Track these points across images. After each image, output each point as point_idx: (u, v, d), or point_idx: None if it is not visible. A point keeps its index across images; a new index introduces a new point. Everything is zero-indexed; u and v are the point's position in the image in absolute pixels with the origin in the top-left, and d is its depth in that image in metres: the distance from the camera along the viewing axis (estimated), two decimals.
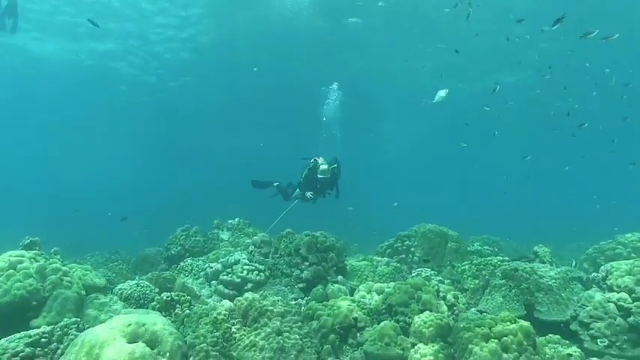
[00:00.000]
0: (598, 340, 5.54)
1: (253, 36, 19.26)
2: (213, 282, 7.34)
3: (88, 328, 5.08)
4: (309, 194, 9.25)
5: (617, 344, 5.45)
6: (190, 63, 22.89)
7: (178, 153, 41.91)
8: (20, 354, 2.93)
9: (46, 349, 4.30)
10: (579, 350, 5.32)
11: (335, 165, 9.18)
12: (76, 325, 4.92)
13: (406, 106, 25.75)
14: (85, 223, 19.40)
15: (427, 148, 36.11)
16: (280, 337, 4.91)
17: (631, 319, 5.55)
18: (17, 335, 4.59)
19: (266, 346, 4.80)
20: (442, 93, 8.73)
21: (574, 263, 8.34)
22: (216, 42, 20.35)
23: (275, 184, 10.01)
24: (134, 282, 6.48)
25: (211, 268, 7.49)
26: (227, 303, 5.28)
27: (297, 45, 19.63)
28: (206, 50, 21.37)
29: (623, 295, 5.80)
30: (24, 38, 19.91)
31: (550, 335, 5.52)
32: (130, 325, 4.26)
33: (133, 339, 4.19)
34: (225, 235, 10.14)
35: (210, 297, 7.06)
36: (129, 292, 6.11)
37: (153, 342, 4.24)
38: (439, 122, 27.96)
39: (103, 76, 24.24)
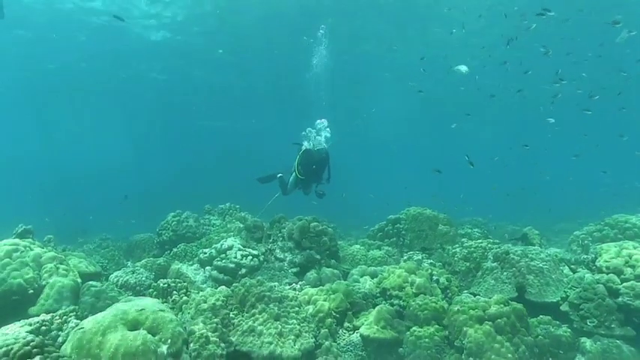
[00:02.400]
0: (587, 321, 5.71)
1: (239, 13, 18.93)
2: (207, 268, 7.35)
3: (86, 315, 5.10)
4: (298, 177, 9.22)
5: (606, 324, 5.63)
6: (177, 44, 22.47)
7: (167, 138, 41.45)
8: (31, 343, 2.93)
9: (47, 337, 4.30)
10: (569, 330, 5.50)
11: (323, 146, 9.19)
12: (74, 313, 4.93)
13: (395, 85, 25.69)
14: (74, 210, 19.20)
15: (415, 129, 36.20)
16: (278, 322, 4.97)
17: (619, 299, 5.72)
18: (18, 323, 4.59)
19: (264, 331, 4.86)
20: (462, 68, 8.78)
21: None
22: (199, 20, 19.95)
23: (278, 175, 9.92)
24: (129, 269, 6.48)
25: (205, 253, 7.50)
26: (224, 289, 5.30)
27: (283, 22, 19.35)
28: (191, 30, 20.98)
29: (612, 276, 5.97)
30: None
31: (541, 316, 5.69)
32: (130, 312, 4.27)
33: (134, 326, 4.20)
34: (216, 220, 10.13)
35: (205, 283, 7.08)
36: (125, 279, 6.10)
37: (154, 329, 4.26)
38: (428, 103, 28.00)
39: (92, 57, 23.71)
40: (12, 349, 2.91)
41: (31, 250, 5.85)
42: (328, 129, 9.64)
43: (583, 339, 5.48)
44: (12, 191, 30.17)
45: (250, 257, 7.20)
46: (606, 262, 6.30)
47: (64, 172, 38.38)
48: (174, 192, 23.89)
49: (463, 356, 4.86)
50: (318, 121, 9.74)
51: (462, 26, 16.73)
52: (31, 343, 2.94)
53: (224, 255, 7.19)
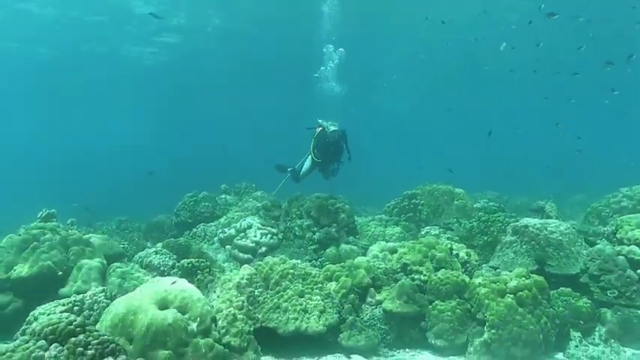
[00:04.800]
0: (608, 292, 5.74)
1: None
2: (227, 247, 7.47)
3: (114, 295, 5.23)
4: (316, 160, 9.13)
5: (627, 295, 5.66)
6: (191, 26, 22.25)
7: (182, 118, 41.43)
8: (74, 322, 3.04)
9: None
10: (589, 301, 5.54)
11: (336, 128, 9.05)
12: (103, 293, 5.05)
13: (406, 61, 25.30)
14: (91, 191, 19.43)
15: (426, 103, 35.77)
16: (302, 298, 5.06)
17: None
18: (51, 304, 4.73)
19: (289, 307, 4.96)
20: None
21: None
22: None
23: (289, 169, 9.85)
24: (152, 250, 6.60)
25: (224, 233, 7.60)
26: (248, 267, 5.40)
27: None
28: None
29: (634, 247, 5.97)
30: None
31: (562, 288, 5.73)
32: (159, 292, 4.37)
33: (163, 305, 4.30)
34: (233, 200, 10.22)
35: (226, 262, 7.21)
36: (148, 259, 6.23)
37: (183, 308, 4.36)
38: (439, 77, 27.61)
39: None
40: (57, 327, 3.02)
41: (58, 233, 5.98)
42: (335, 124, 9.35)
43: (603, 310, 5.53)
44: (28, 176, 30.54)
45: (270, 235, 7.30)
46: (627, 233, 6.29)
47: (79, 156, 38.67)
48: (190, 173, 23.98)
49: (485, 328, 4.94)
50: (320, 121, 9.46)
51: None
52: (74, 323, 3.05)
53: (244, 234, 7.29)
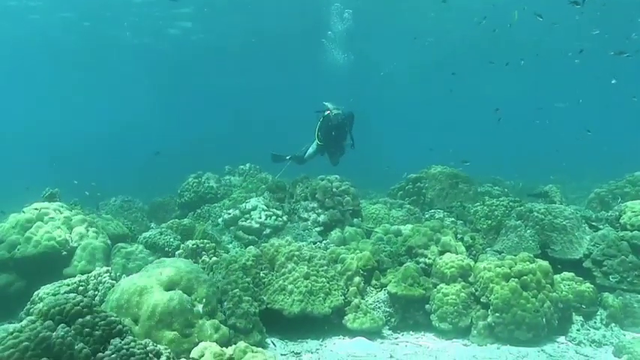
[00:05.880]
0: (610, 277, 5.76)
1: None
2: (231, 228, 7.47)
3: (119, 276, 5.25)
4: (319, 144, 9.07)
5: (628, 279, 5.69)
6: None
7: (185, 99, 41.13)
8: (80, 303, 3.04)
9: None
10: (592, 286, 5.56)
11: (339, 111, 8.94)
12: (108, 274, 5.06)
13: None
14: (92, 172, 19.39)
15: (428, 86, 35.39)
16: (308, 280, 5.07)
17: None
18: (56, 283, 4.75)
19: (295, 289, 4.97)
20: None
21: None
22: None
23: (287, 157, 9.76)
24: (156, 230, 6.60)
25: (229, 214, 7.60)
26: (253, 249, 5.40)
27: None
28: None
29: (637, 233, 5.96)
30: None
31: (565, 273, 5.74)
32: (164, 273, 4.38)
33: (169, 286, 4.32)
34: (237, 181, 10.20)
35: (231, 243, 7.21)
36: (153, 240, 6.23)
37: (189, 289, 4.38)
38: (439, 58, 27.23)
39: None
40: (65, 308, 3.02)
41: (61, 212, 5.97)
42: (338, 108, 9.20)
43: (605, 294, 5.56)
44: (31, 155, 30.45)
45: (274, 217, 7.29)
46: (631, 219, 6.28)
47: (82, 136, 38.44)
48: (194, 153, 23.87)
49: (489, 312, 4.96)
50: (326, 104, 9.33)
51: None
52: (81, 304, 3.05)
53: (248, 215, 7.29)
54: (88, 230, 5.88)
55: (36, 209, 5.68)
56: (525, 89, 32.06)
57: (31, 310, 4.47)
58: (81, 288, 4.79)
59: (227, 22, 24.76)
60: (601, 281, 5.79)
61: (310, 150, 9.35)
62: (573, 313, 5.33)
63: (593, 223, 7.15)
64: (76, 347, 2.88)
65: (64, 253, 5.52)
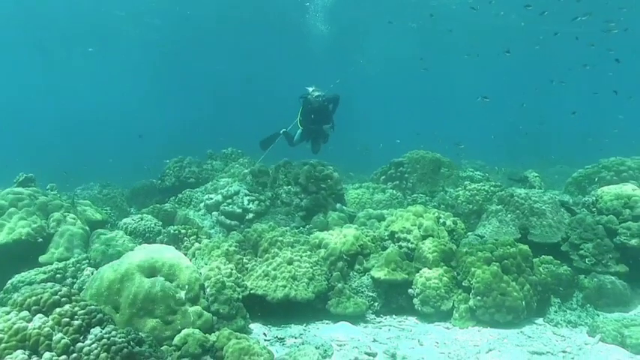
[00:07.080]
0: (586, 259, 5.91)
1: None
2: (214, 213, 7.38)
3: (98, 263, 5.14)
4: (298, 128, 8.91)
5: (603, 262, 5.85)
6: None
7: (167, 83, 40.24)
8: (59, 292, 2.95)
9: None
10: (569, 269, 5.70)
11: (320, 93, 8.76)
12: (87, 261, 4.96)
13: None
14: (70, 156, 18.90)
15: (407, 70, 35.22)
16: (291, 266, 5.06)
17: (616, 239, 5.91)
18: (32, 271, 4.63)
19: (278, 275, 4.95)
20: None
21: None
22: None
23: (282, 131, 9.53)
24: (137, 216, 6.47)
25: (211, 199, 7.50)
26: (236, 234, 5.34)
27: None
28: None
29: (612, 217, 6.11)
30: None
31: (543, 256, 5.87)
32: (146, 260, 4.30)
33: (151, 273, 4.25)
34: (219, 166, 10.06)
35: (213, 228, 7.14)
36: (134, 226, 6.11)
37: (171, 275, 4.32)
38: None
39: None
40: (42, 297, 2.93)
41: (36, 198, 5.79)
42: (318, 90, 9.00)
43: (581, 276, 5.71)
44: (9, 138, 29.42)
45: (257, 202, 7.22)
46: (607, 203, 6.42)
47: (65, 118, 37.27)
48: (175, 138, 23.43)
49: (471, 295, 5.04)
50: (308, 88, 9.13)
51: None
52: (59, 293, 2.96)
53: (231, 200, 7.20)
54: (65, 216, 5.73)
55: (9, 195, 5.49)
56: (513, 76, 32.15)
57: (4, 300, 4.33)
58: (58, 275, 4.69)
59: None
60: (577, 264, 5.94)
61: (297, 136, 9.20)
62: (551, 296, 5.45)
63: (572, 207, 7.29)
64: (54, 338, 2.80)
65: (40, 240, 5.37)
